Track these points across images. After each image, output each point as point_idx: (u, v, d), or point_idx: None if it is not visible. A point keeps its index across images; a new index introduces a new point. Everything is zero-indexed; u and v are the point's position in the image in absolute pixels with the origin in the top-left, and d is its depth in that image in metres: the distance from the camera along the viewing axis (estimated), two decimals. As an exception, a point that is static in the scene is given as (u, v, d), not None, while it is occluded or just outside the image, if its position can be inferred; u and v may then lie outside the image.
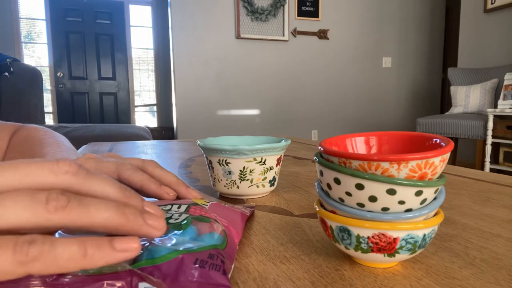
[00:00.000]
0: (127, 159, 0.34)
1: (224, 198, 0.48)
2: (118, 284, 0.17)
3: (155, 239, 0.22)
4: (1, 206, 0.16)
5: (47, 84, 4.27)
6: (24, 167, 0.18)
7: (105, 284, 0.17)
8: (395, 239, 0.24)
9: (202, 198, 0.33)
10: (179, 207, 0.27)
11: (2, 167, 0.18)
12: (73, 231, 0.20)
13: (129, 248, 0.17)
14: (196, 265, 0.20)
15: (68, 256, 0.16)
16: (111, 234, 0.19)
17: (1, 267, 0.15)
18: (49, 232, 0.18)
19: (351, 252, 0.26)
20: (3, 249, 0.15)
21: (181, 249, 0.21)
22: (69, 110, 4.35)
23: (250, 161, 0.44)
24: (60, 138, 0.51)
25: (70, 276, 0.17)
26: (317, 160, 0.27)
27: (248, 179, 0.45)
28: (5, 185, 0.17)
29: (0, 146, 0.51)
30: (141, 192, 0.31)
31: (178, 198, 0.33)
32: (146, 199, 0.23)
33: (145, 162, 0.34)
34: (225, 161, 0.45)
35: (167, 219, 0.25)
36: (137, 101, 4.81)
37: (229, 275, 0.22)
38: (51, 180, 0.18)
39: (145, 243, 0.22)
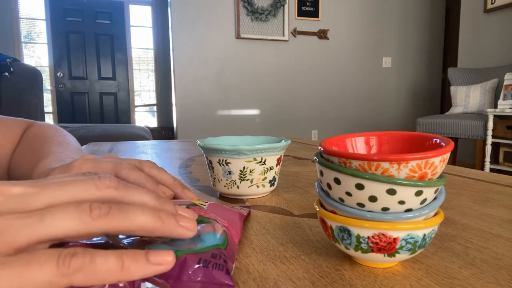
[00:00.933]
0: (124, 159, 0.34)
1: (224, 198, 0.48)
2: (121, 284, 0.18)
3: (155, 240, 0.22)
4: (53, 217, 0.18)
5: (47, 84, 4.27)
6: (70, 185, 0.20)
7: (107, 285, 0.17)
8: (395, 239, 0.24)
9: (199, 199, 0.33)
10: None
11: (51, 185, 0.20)
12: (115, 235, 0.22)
13: (163, 262, 0.18)
14: (199, 265, 0.20)
15: (107, 269, 0.17)
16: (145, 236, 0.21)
17: (46, 278, 0.16)
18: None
19: (351, 252, 0.26)
20: (48, 262, 0.16)
21: (183, 249, 0.21)
22: (69, 110, 4.35)
23: (250, 161, 0.44)
24: (68, 137, 0.52)
25: None
26: (317, 160, 0.27)
27: (248, 179, 0.45)
28: (56, 202, 0.19)
29: (13, 138, 0.53)
30: None
31: (174, 198, 0.33)
32: None
33: (142, 162, 0.34)
34: (225, 161, 0.45)
35: None
36: (137, 101, 4.81)
37: (231, 275, 0.22)
38: (97, 195, 0.20)
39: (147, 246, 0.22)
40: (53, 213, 0.18)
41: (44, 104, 2.21)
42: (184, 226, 0.21)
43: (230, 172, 0.45)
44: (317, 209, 0.28)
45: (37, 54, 4.30)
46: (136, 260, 0.18)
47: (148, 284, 0.18)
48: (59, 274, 0.16)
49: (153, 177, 0.33)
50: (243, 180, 0.45)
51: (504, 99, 2.71)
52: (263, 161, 0.45)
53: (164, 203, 0.23)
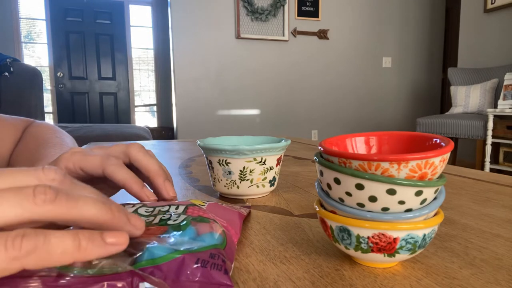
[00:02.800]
0: (112, 147, 0.33)
1: (224, 198, 0.48)
2: (119, 284, 0.17)
3: (154, 240, 0.22)
4: None
5: (47, 84, 4.27)
6: (9, 175, 0.18)
7: (105, 285, 0.17)
8: (395, 239, 0.24)
9: (175, 196, 0.32)
10: (177, 208, 0.27)
11: None
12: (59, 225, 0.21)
13: (119, 242, 0.18)
14: (198, 265, 0.20)
15: (62, 249, 0.16)
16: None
17: None
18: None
19: (351, 252, 0.26)
20: None
21: (181, 249, 0.21)
22: (69, 110, 4.35)
23: (250, 161, 0.44)
24: (65, 138, 0.52)
25: (70, 277, 0.17)
26: (317, 160, 0.27)
27: (248, 179, 0.45)
28: None
29: (15, 137, 0.53)
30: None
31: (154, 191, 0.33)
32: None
33: (129, 146, 0.33)
34: (225, 161, 0.45)
35: (166, 220, 0.25)
36: (137, 101, 4.81)
37: (230, 275, 0.22)
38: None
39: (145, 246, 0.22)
40: None
41: (44, 104, 2.21)
42: (134, 224, 0.20)
43: (230, 172, 0.45)
44: (317, 209, 0.28)
45: (37, 54, 4.30)
46: (92, 240, 0.17)
47: (146, 284, 0.18)
48: (10, 258, 0.15)
49: (138, 161, 0.32)
50: (243, 180, 0.45)
51: (504, 99, 2.71)
52: (263, 161, 0.45)
53: (111, 203, 0.21)
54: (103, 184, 0.33)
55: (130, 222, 0.20)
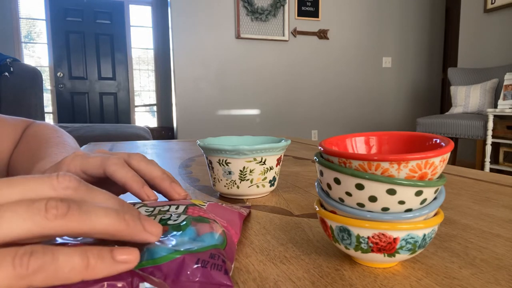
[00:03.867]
0: (113, 153, 0.33)
1: (224, 198, 0.48)
2: (119, 284, 0.17)
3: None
4: (0, 218, 0.16)
5: (47, 84, 4.27)
6: (23, 183, 0.18)
7: (105, 285, 0.17)
8: (395, 239, 0.24)
9: (187, 194, 0.32)
10: (177, 208, 0.27)
11: (0, 183, 0.18)
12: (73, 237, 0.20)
13: (129, 260, 0.17)
14: (198, 265, 0.20)
15: (70, 268, 0.16)
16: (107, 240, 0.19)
17: (1, 283, 0.14)
18: (49, 240, 0.18)
19: (351, 252, 0.26)
20: (3, 263, 0.14)
21: (181, 249, 0.21)
22: (69, 110, 4.35)
23: (250, 161, 0.44)
24: (66, 138, 0.52)
25: None
26: (317, 160, 0.27)
27: (248, 179, 0.45)
28: (5, 200, 0.17)
29: (14, 138, 0.53)
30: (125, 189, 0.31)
31: (165, 194, 0.32)
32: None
33: (131, 155, 0.32)
34: (225, 161, 0.45)
35: (166, 220, 0.25)
36: (137, 101, 4.81)
37: (230, 275, 0.22)
38: (52, 196, 0.18)
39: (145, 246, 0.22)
40: (1, 214, 0.16)
41: (44, 104, 2.21)
42: (149, 231, 0.20)
43: (230, 172, 0.45)
44: (317, 209, 0.28)
45: (37, 54, 4.30)
46: (101, 258, 0.16)
47: (146, 284, 0.18)
48: (17, 276, 0.14)
49: (142, 171, 0.32)
50: (243, 180, 0.45)
51: (504, 99, 2.71)
52: (263, 161, 0.45)
53: (128, 208, 0.21)
54: (113, 188, 0.33)
55: (146, 229, 0.20)
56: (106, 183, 0.32)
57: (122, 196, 0.38)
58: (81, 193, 0.19)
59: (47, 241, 0.19)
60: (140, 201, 0.30)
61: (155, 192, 0.31)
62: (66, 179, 0.19)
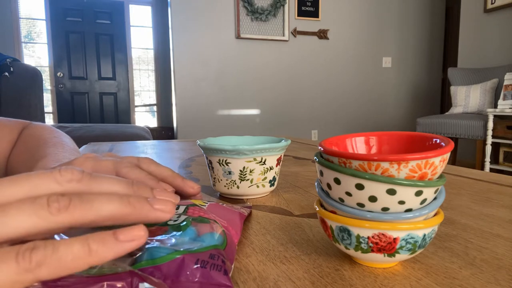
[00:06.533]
0: (123, 158, 0.34)
1: (224, 198, 0.48)
2: (119, 285, 0.17)
3: (154, 240, 0.22)
4: (6, 216, 0.16)
5: (47, 84, 4.27)
6: (27, 180, 0.18)
7: (105, 285, 0.17)
8: (395, 239, 0.24)
9: (199, 194, 0.33)
10: (177, 208, 0.27)
11: (4, 181, 0.18)
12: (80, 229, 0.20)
13: (135, 237, 0.17)
14: (197, 266, 0.20)
15: (72, 256, 0.16)
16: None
17: (8, 278, 0.15)
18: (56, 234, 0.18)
19: (351, 252, 0.26)
20: (6, 261, 0.15)
21: (181, 249, 0.21)
22: (69, 110, 4.35)
23: (250, 161, 0.44)
24: (64, 138, 0.52)
25: (70, 277, 0.17)
26: (317, 160, 0.27)
27: (248, 179, 0.45)
28: (10, 198, 0.17)
29: (11, 140, 0.52)
30: None
31: (176, 192, 0.33)
32: None
33: (140, 160, 0.34)
34: (225, 161, 0.45)
35: (166, 220, 0.25)
36: (137, 101, 4.81)
37: (230, 275, 0.22)
38: (58, 190, 0.19)
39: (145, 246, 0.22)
40: (7, 211, 0.16)
41: (44, 104, 2.21)
42: (159, 209, 0.20)
43: (230, 172, 0.45)
44: (317, 209, 0.28)
45: (37, 54, 4.30)
46: (103, 241, 0.16)
47: (146, 285, 0.18)
48: (22, 270, 0.15)
49: (152, 172, 0.33)
50: (243, 180, 0.45)
51: (504, 99, 2.71)
52: (263, 161, 0.45)
53: (139, 188, 0.21)
54: None
55: (155, 208, 0.19)
56: None
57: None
58: (86, 183, 0.20)
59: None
60: None
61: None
62: (68, 172, 0.19)
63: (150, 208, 0.19)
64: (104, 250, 0.16)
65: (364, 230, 0.24)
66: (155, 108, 4.90)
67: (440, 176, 0.25)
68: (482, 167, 2.84)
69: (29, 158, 0.43)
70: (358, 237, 0.25)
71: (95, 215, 0.18)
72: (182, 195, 0.33)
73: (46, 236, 0.18)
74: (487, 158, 2.74)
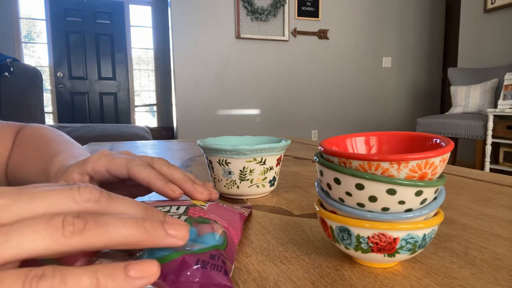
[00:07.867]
0: (137, 156, 0.34)
1: (224, 198, 0.48)
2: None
3: None
4: (19, 235, 0.16)
5: (47, 84, 4.27)
6: (46, 197, 0.18)
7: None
8: (395, 239, 0.24)
9: (209, 194, 0.33)
10: (178, 209, 0.27)
11: (24, 197, 0.18)
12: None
13: (147, 274, 0.17)
14: (198, 266, 0.20)
15: None
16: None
17: None
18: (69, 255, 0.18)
19: (351, 252, 0.26)
20: (14, 285, 0.15)
21: (181, 250, 0.21)
22: (69, 110, 4.35)
23: (250, 161, 0.44)
24: (67, 136, 0.51)
25: None
26: (317, 160, 0.27)
27: (248, 179, 0.45)
28: (26, 216, 0.17)
29: (6, 145, 0.51)
30: (148, 188, 0.32)
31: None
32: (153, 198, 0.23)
33: (154, 159, 0.34)
34: (225, 161, 0.45)
35: None
36: (137, 101, 4.81)
37: (230, 276, 0.22)
38: (74, 209, 0.18)
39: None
40: (21, 231, 0.16)
41: (44, 104, 2.21)
42: (173, 235, 0.19)
43: (230, 172, 0.45)
44: (317, 209, 0.28)
45: (37, 54, 4.30)
46: (113, 276, 0.16)
47: None
48: None
49: (164, 174, 0.33)
50: (243, 180, 0.45)
51: (504, 99, 2.71)
52: (263, 161, 0.45)
53: (152, 214, 0.21)
54: (134, 189, 0.35)
55: (169, 234, 0.19)
56: (128, 184, 0.33)
57: (144, 198, 0.39)
58: (103, 204, 0.19)
59: None
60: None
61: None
62: (87, 191, 0.19)
63: (164, 235, 0.19)
64: (112, 285, 0.16)
65: (364, 230, 0.24)
66: (155, 108, 4.90)
67: (440, 176, 0.25)
68: (482, 167, 2.84)
69: (40, 157, 0.42)
70: (358, 237, 0.25)
71: (108, 240, 0.17)
72: (190, 198, 0.33)
73: (58, 257, 0.18)
74: (487, 158, 2.74)
